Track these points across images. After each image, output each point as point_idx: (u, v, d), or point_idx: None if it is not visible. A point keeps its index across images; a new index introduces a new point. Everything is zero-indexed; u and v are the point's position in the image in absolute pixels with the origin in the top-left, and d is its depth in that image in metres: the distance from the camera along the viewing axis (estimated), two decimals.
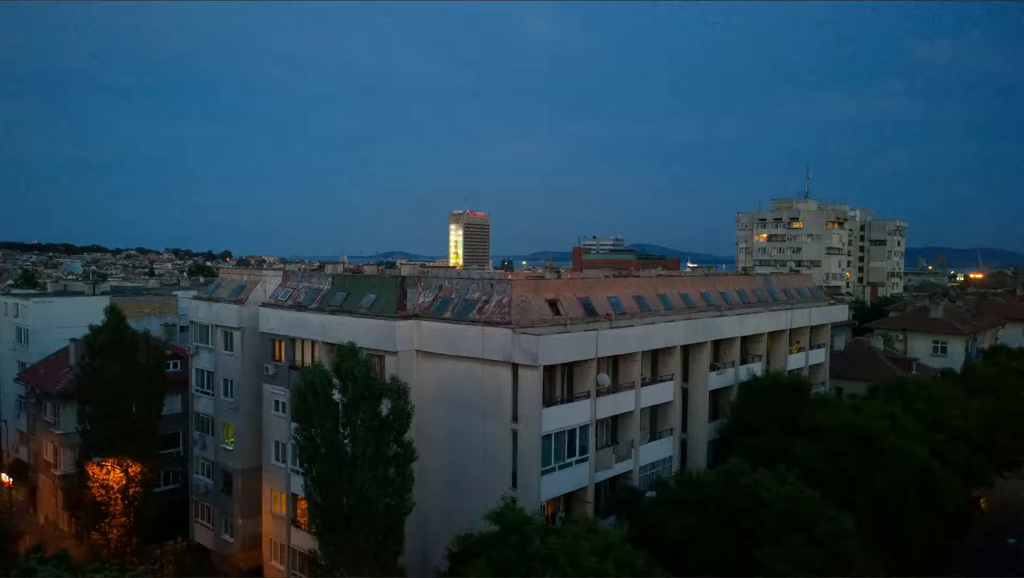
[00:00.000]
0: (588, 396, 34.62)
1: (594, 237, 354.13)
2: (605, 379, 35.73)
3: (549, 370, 32.93)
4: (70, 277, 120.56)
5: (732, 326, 44.41)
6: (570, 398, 34.56)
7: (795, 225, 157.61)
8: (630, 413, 37.35)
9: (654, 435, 39.84)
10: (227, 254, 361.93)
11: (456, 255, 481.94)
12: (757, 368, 46.53)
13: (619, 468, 36.51)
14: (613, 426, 37.66)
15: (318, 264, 65.47)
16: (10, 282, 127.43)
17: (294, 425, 32.82)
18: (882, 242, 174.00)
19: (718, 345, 44.51)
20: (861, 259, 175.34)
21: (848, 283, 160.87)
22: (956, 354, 70.36)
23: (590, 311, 37.54)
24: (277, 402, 41.51)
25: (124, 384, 42.77)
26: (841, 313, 59.44)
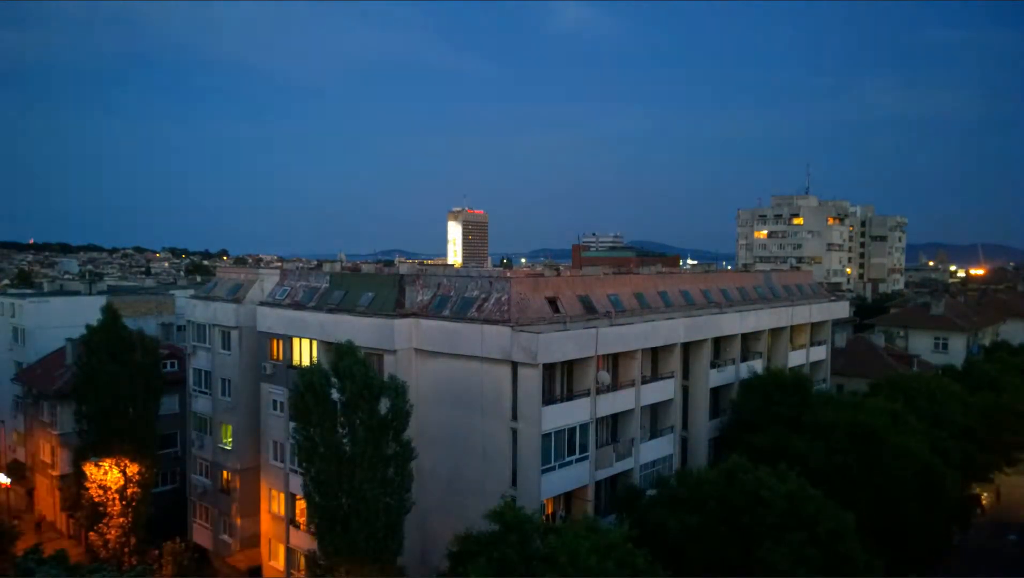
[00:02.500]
0: (588, 394, 34.41)
1: (593, 234, 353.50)
2: (605, 377, 35.53)
3: (549, 368, 32.72)
4: (66, 276, 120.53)
5: (733, 323, 44.18)
6: (570, 396, 34.33)
7: (795, 221, 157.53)
8: (630, 411, 37.14)
9: (654, 433, 39.62)
10: (224, 253, 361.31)
11: (455, 252, 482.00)
12: (758, 365, 46.36)
13: (619, 466, 36.31)
14: (613, 424, 37.45)
15: (316, 262, 65.30)
16: (6, 282, 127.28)
17: (292, 424, 32.65)
18: (883, 238, 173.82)
19: (719, 342, 44.28)
20: (862, 255, 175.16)
21: (849, 279, 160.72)
22: (957, 350, 70.19)
23: (590, 309, 37.32)
24: (275, 401, 41.29)
25: (121, 384, 42.50)
26: (842, 310, 59.23)
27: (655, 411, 39.98)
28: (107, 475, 42.71)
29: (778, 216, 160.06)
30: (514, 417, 32.08)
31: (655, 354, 39.80)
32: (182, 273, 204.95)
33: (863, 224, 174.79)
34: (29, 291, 77.18)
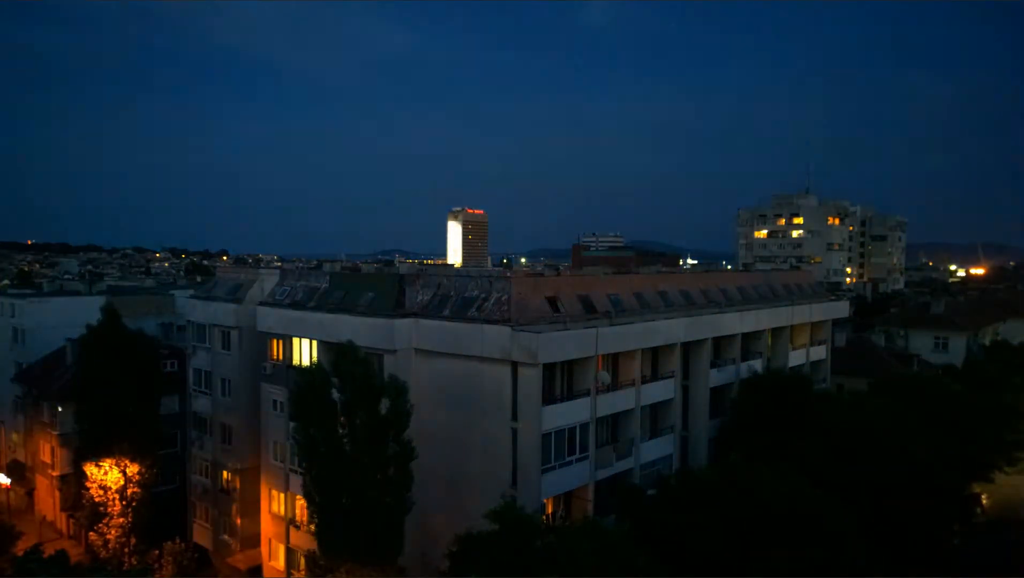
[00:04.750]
0: (588, 394, 34.40)
1: (593, 234, 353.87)
2: (605, 377, 35.53)
3: (549, 368, 32.72)
4: (66, 277, 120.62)
5: (733, 323, 44.18)
6: (570, 396, 34.32)
7: (795, 221, 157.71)
8: (630, 411, 37.14)
9: (655, 433, 39.63)
10: (224, 253, 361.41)
11: (455, 251, 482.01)
12: (758, 365, 46.34)
13: (619, 466, 36.30)
14: (613, 424, 37.45)
15: (316, 262, 65.40)
16: (6, 282, 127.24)
17: (292, 424, 32.65)
18: (883, 238, 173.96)
19: (719, 342, 44.28)
20: (862, 255, 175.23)
21: (850, 278, 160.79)
22: (957, 350, 70.12)
23: (590, 308, 37.30)
24: (275, 401, 41.27)
25: (121, 384, 42.45)
26: (842, 309, 59.22)
27: (655, 411, 39.97)
28: (107, 475, 42.71)
29: (778, 216, 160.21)
30: (514, 417, 32.06)
31: (655, 354, 39.79)
32: (182, 273, 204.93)
33: (863, 224, 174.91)
34: (29, 291, 77.18)
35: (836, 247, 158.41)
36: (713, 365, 43.08)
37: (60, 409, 50.26)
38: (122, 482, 42.99)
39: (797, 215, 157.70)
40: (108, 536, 43.03)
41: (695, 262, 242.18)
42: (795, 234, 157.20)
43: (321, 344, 38.12)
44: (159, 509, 45.88)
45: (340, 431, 28.78)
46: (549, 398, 32.84)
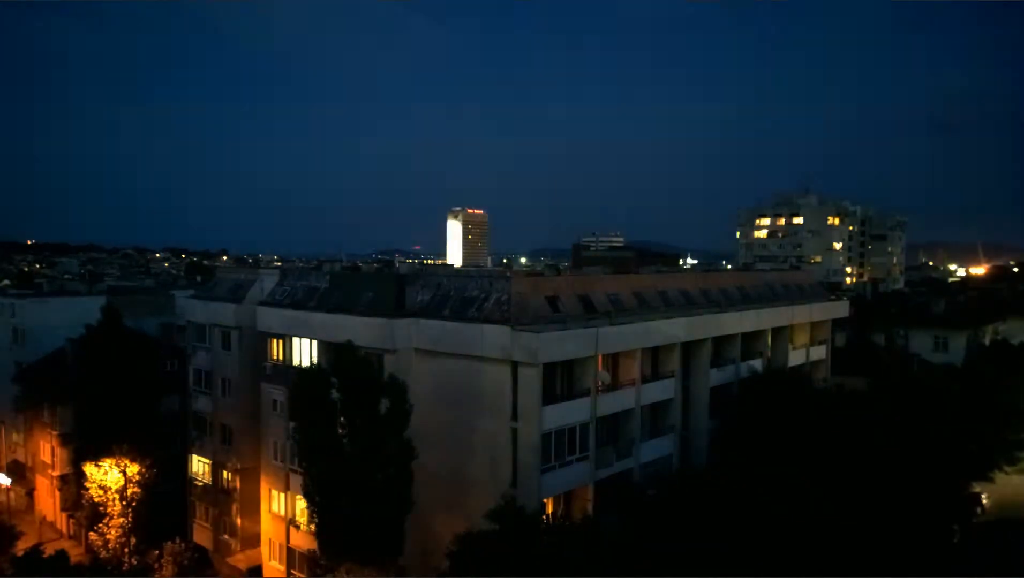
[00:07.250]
0: (588, 394, 34.41)
1: (593, 234, 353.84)
2: (605, 376, 35.56)
3: (549, 368, 32.71)
4: (66, 277, 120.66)
5: (733, 323, 44.19)
6: (570, 396, 34.33)
7: (795, 220, 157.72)
8: (630, 411, 37.16)
9: (655, 433, 39.63)
10: (224, 253, 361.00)
11: (455, 251, 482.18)
12: (758, 365, 46.34)
13: (619, 466, 36.32)
14: (613, 424, 37.44)
15: (316, 262, 65.37)
16: (6, 282, 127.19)
17: (292, 424, 32.65)
18: (883, 237, 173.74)
19: (719, 342, 44.27)
20: (862, 254, 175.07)
21: (850, 277, 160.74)
22: (957, 349, 69.97)
23: (590, 308, 37.31)
24: (275, 401, 41.27)
25: (121, 384, 42.49)
26: (842, 309, 59.21)
27: (655, 410, 39.97)
28: (107, 475, 42.73)
29: (778, 215, 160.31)
30: (514, 417, 32.07)
31: (655, 353, 39.80)
32: (182, 273, 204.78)
33: (863, 223, 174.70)
34: (29, 291, 77.15)
35: (836, 247, 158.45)
36: (713, 365, 43.09)
37: (60, 409, 50.26)
38: (122, 482, 43.00)
39: (797, 215, 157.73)
40: (108, 536, 43.04)
41: (695, 262, 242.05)
42: (795, 234, 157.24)
43: (321, 344, 38.13)
44: (159, 509, 45.83)
45: (340, 431, 28.80)
46: (549, 398, 32.82)
